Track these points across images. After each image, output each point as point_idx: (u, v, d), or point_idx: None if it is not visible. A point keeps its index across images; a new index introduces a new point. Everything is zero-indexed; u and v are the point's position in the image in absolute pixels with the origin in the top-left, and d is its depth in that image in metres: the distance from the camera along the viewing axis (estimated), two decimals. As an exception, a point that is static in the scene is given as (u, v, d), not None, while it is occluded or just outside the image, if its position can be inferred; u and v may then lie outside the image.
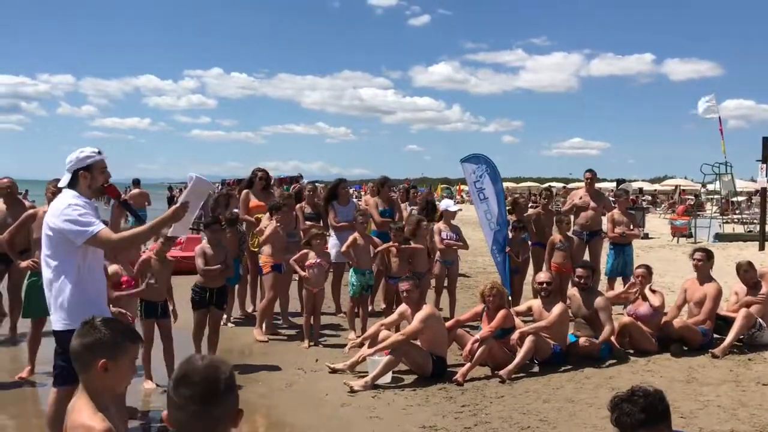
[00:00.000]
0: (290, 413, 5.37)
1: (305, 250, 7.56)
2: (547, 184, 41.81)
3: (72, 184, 3.88)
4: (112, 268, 5.42)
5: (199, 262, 6.48)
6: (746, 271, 7.28)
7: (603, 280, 9.34)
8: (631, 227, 9.32)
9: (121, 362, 2.21)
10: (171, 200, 28.86)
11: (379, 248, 7.84)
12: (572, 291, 7.19)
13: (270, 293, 7.56)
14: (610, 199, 10.00)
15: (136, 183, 18.50)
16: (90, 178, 3.87)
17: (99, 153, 3.90)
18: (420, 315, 6.15)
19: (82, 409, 2.17)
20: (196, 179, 4.13)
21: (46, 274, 3.84)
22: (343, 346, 7.13)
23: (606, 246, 9.41)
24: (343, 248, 7.77)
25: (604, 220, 9.53)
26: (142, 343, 2.71)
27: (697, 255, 7.31)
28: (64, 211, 3.73)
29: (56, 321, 3.78)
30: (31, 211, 6.34)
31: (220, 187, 21.96)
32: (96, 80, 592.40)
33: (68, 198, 3.81)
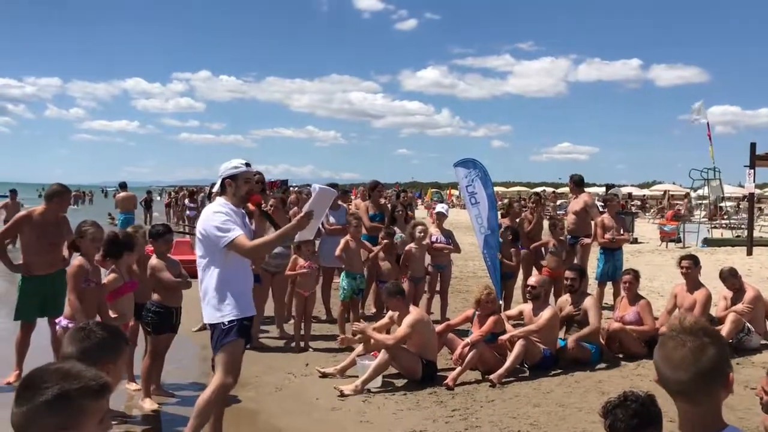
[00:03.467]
0: (280, 418, 5.34)
1: (294, 256, 7.53)
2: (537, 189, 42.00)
3: (222, 191, 4.33)
4: (110, 276, 5.12)
5: (165, 275, 5.45)
6: (726, 279, 7.39)
7: (593, 284, 9.37)
8: (621, 232, 9.37)
9: (120, 365, 2.21)
10: (147, 204, 28.18)
11: (372, 254, 7.89)
12: (565, 296, 7.22)
13: None
14: (598, 204, 10.03)
15: (123, 186, 18.18)
16: (234, 186, 4.29)
17: (246, 165, 4.34)
18: (408, 320, 6.14)
19: None
20: (319, 190, 4.37)
21: (200, 273, 4.26)
22: (333, 350, 7.11)
23: (596, 251, 9.44)
24: (337, 251, 7.75)
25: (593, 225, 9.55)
26: (129, 346, 2.69)
27: (685, 263, 7.38)
28: (210, 217, 4.21)
29: (207, 315, 4.20)
30: (23, 212, 6.23)
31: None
32: (83, 83, 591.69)
33: (215, 206, 4.30)
